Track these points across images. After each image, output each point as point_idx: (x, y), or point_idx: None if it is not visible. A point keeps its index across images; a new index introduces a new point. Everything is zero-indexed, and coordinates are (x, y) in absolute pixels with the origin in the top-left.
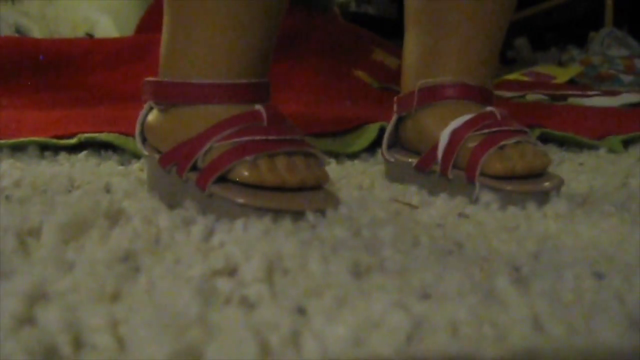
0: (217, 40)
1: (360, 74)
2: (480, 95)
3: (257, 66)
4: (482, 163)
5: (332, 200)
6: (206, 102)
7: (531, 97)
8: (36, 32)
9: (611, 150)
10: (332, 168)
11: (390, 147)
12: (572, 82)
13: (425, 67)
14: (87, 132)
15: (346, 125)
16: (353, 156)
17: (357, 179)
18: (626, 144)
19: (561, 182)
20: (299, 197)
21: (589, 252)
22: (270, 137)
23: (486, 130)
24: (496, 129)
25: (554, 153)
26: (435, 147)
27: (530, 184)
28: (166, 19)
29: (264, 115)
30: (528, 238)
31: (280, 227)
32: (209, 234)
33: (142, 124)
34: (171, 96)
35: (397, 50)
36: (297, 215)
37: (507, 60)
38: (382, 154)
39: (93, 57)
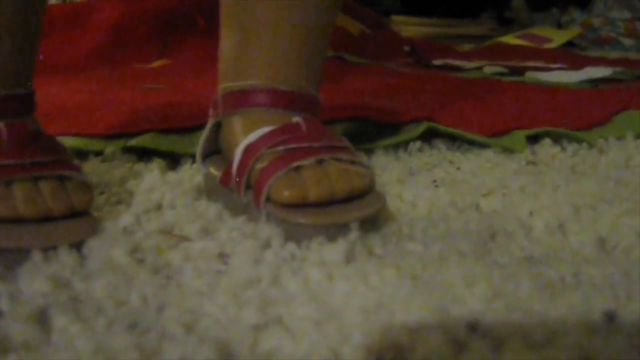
0: None
1: None
2: (292, 102)
3: (17, 76)
4: (267, 188)
5: (79, 233)
6: None
7: (489, 69)
8: None
9: (508, 149)
10: (154, 176)
11: (211, 154)
12: (570, 45)
13: (236, 68)
14: None
15: (200, 120)
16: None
17: (162, 194)
18: (535, 139)
19: (372, 212)
20: (37, 231)
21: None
22: (6, 162)
23: (282, 148)
24: (295, 146)
25: (437, 153)
26: (231, 164)
27: (324, 215)
28: None
29: (5, 134)
30: (254, 302)
31: None
32: None
33: None
34: None
35: (367, 14)
36: (23, 254)
37: (504, 20)
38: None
39: None
